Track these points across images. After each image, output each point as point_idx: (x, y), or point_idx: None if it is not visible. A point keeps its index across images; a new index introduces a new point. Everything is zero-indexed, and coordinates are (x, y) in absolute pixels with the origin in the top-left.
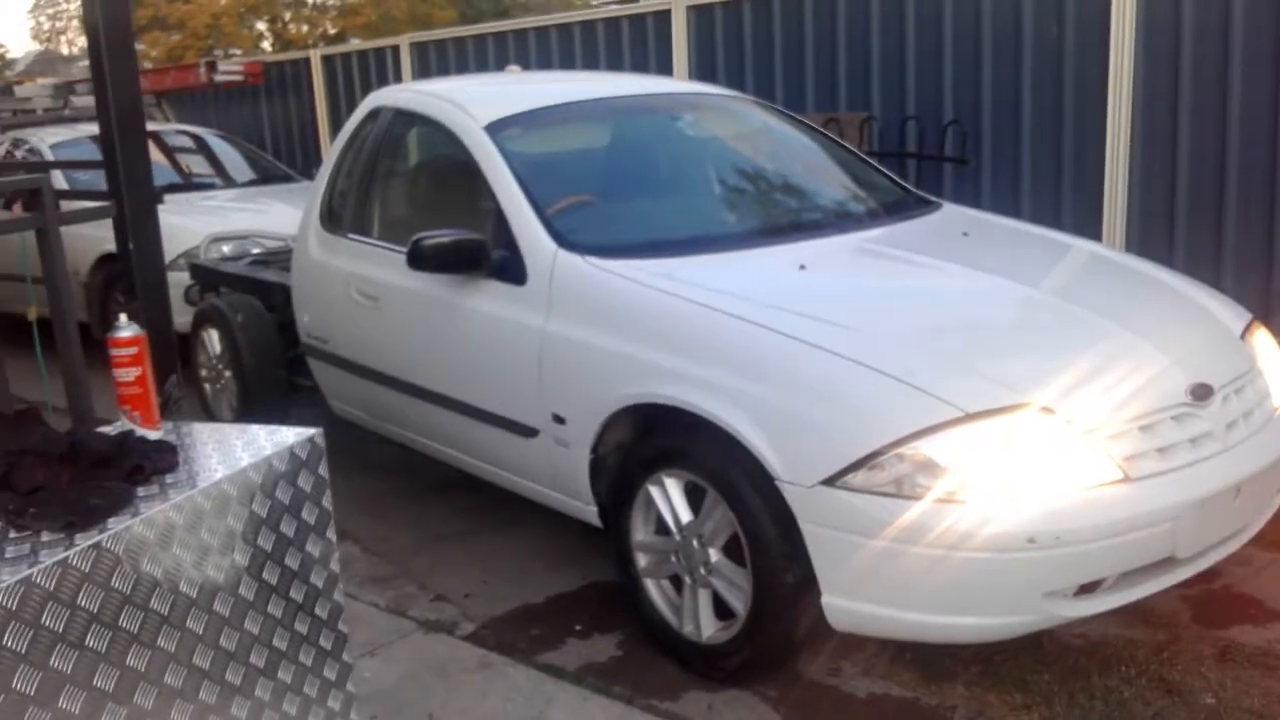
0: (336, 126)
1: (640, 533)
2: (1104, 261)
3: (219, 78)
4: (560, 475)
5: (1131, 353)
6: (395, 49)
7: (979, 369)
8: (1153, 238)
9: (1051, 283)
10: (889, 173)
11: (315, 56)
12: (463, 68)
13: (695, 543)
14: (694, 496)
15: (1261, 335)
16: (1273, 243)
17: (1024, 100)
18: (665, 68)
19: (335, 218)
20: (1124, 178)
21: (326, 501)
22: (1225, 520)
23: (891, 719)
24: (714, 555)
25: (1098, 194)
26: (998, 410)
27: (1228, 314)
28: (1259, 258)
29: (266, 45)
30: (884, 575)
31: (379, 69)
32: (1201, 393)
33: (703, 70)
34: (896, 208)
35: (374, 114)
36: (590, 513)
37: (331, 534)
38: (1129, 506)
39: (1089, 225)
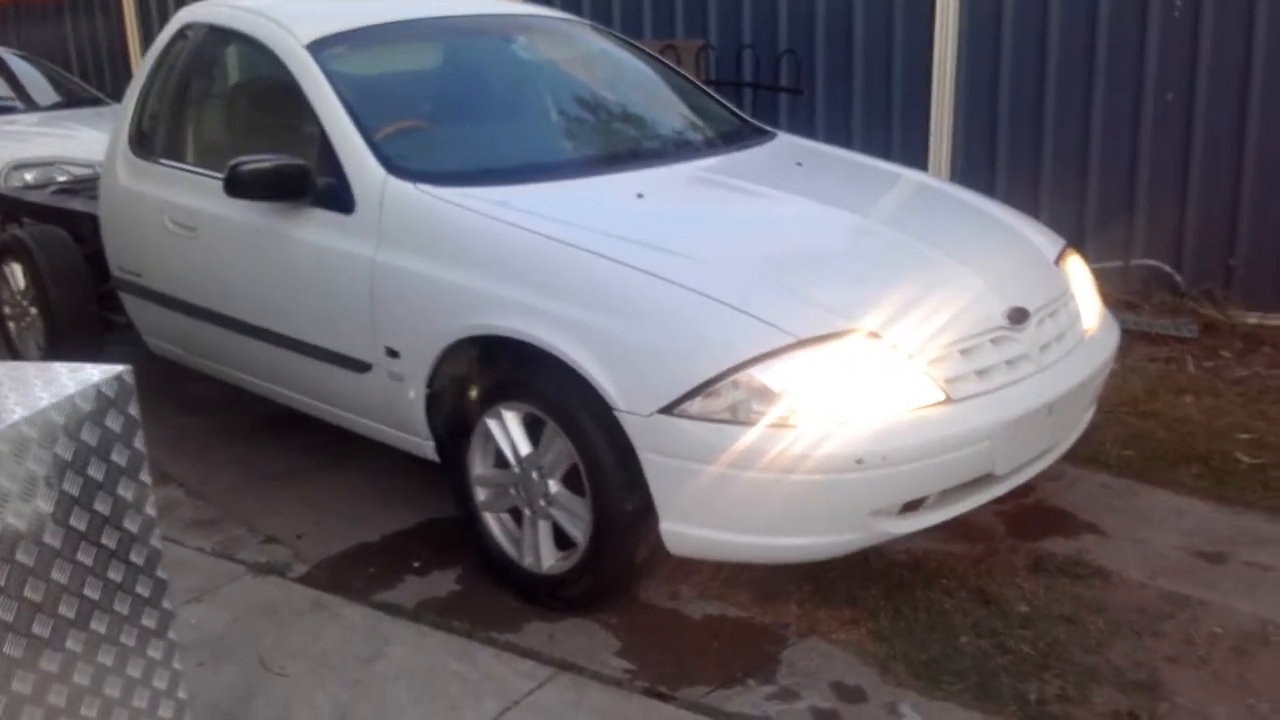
0: (148, 45)
1: (479, 467)
2: (930, 191)
3: None
4: (395, 410)
5: (953, 279)
6: None
7: (810, 296)
8: (976, 168)
9: (880, 212)
10: (725, 102)
11: None
12: None
13: (535, 475)
14: (533, 428)
15: (1074, 261)
16: (1086, 173)
17: (856, 32)
18: None
19: (146, 142)
20: (949, 110)
21: (138, 443)
22: (1039, 438)
23: (728, 639)
24: (553, 486)
25: (925, 125)
26: (828, 336)
27: (1043, 241)
28: (1073, 188)
29: None
30: (720, 500)
31: None
32: (1017, 316)
33: None
34: (732, 137)
35: (185, 31)
36: (427, 448)
37: (145, 476)
38: (950, 427)
39: (917, 155)
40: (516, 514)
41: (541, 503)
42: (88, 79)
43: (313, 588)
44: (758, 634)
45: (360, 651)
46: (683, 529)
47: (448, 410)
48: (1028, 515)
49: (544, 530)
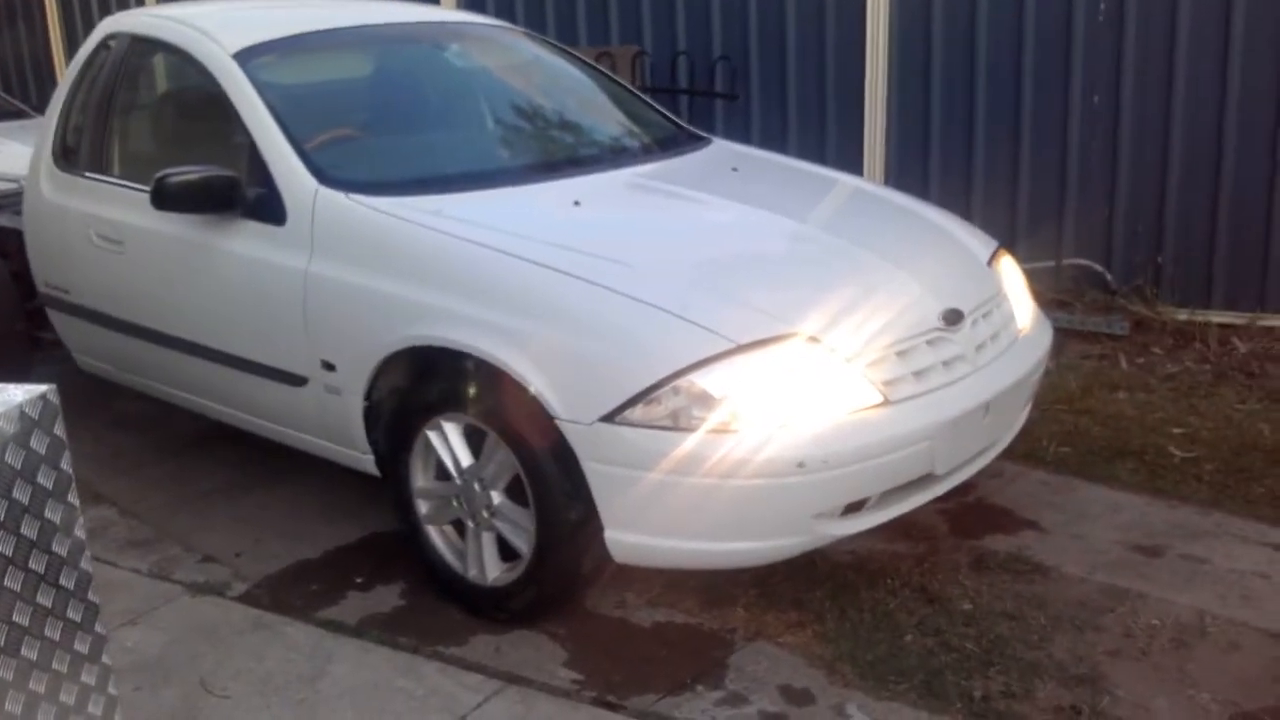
0: (73, 56)
1: (420, 479)
2: (864, 195)
3: None
4: (333, 424)
5: (889, 282)
6: None
7: (749, 301)
8: (909, 171)
9: (816, 216)
10: (661, 108)
11: None
12: None
13: (477, 486)
14: (474, 439)
15: (1006, 262)
16: (1017, 175)
17: (789, 38)
18: None
19: (70, 155)
20: (882, 114)
21: (65, 464)
22: (977, 437)
23: (675, 645)
24: (496, 497)
25: (858, 130)
26: (767, 341)
27: (976, 243)
28: (1004, 190)
29: None
30: (664, 507)
31: None
32: (952, 318)
33: (471, 0)
34: (668, 143)
35: (108, 41)
36: (367, 462)
37: (73, 498)
38: (889, 428)
39: (851, 159)
40: (460, 526)
41: (484, 514)
42: (11, 91)
43: (253, 606)
44: (705, 639)
45: (303, 670)
46: (627, 537)
47: (387, 423)
48: (969, 513)
49: (488, 542)
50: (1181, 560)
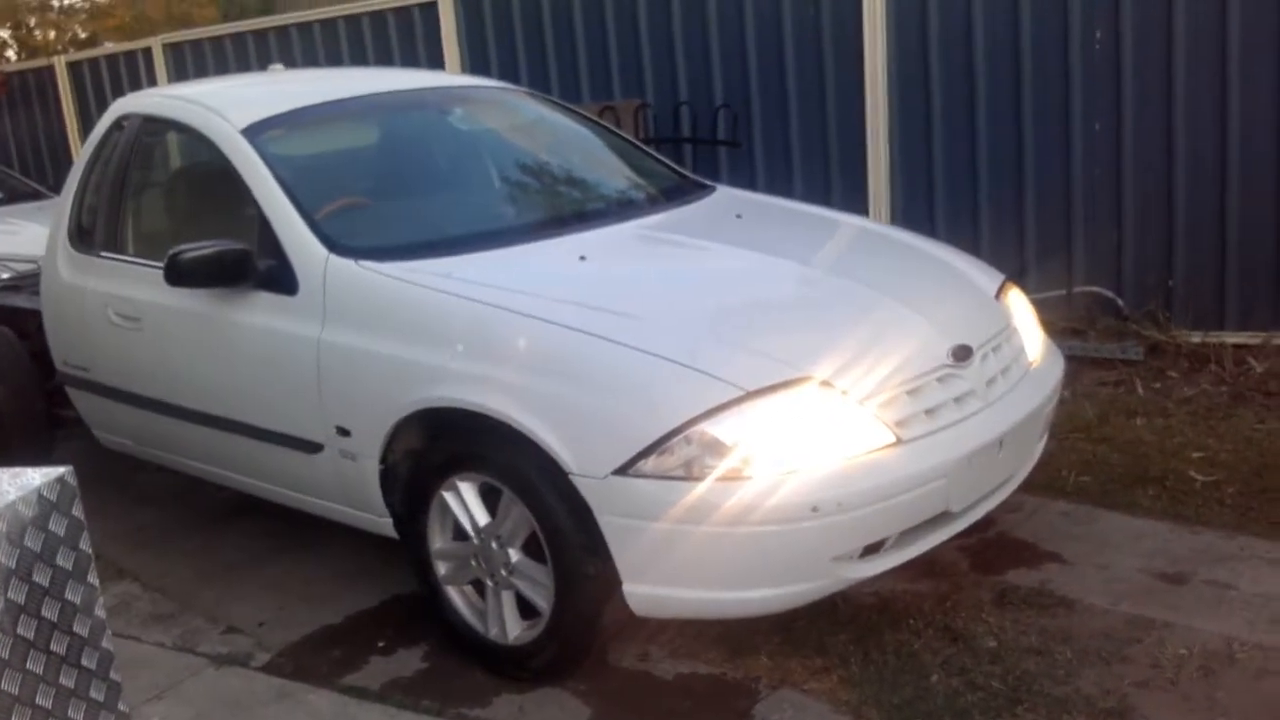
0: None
1: (438, 540)
2: (870, 235)
3: None
4: (350, 489)
5: (898, 321)
6: (147, 51)
7: (757, 347)
8: (915, 209)
9: (822, 259)
10: (664, 159)
11: (60, 63)
12: (222, 70)
13: (494, 544)
14: (489, 498)
15: (1014, 295)
16: (1022, 206)
17: (789, 82)
18: (436, 62)
19: (85, 236)
20: (885, 154)
21: (84, 544)
22: (993, 472)
23: (700, 697)
24: (514, 555)
25: (861, 170)
26: (777, 386)
27: (982, 277)
28: (1011, 221)
29: (11, 54)
30: (681, 557)
31: (131, 74)
32: (962, 354)
33: (475, 63)
34: (673, 193)
35: (120, 122)
36: (384, 525)
37: (93, 578)
38: (903, 468)
39: (855, 200)
40: (479, 586)
41: (503, 572)
42: (28, 173)
43: (277, 676)
44: (730, 690)
45: None
46: (646, 589)
47: (403, 485)
48: (990, 548)
49: (507, 600)
50: (1207, 586)
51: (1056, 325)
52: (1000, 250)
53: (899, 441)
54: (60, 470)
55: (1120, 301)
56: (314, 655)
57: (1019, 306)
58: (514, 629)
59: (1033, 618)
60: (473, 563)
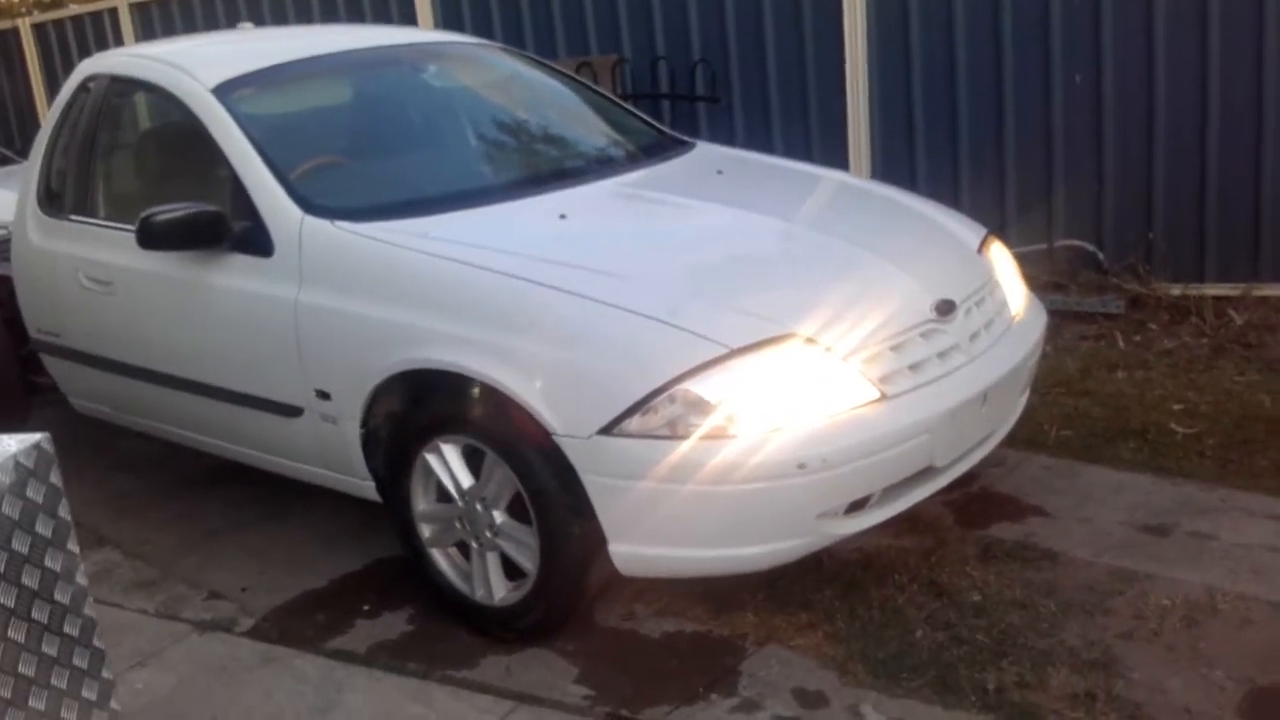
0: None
1: (421, 503)
2: (851, 190)
3: None
4: (331, 453)
5: (880, 277)
6: (114, 12)
7: (741, 304)
8: (895, 163)
9: (804, 215)
10: (643, 115)
11: (25, 25)
12: (191, 30)
13: (479, 506)
14: (473, 460)
15: (997, 249)
16: (1003, 160)
17: (767, 37)
18: (409, 18)
19: (55, 199)
20: (864, 108)
21: (63, 511)
22: (976, 426)
23: (686, 655)
24: (499, 517)
25: (841, 125)
26: (760, 343)
27: (965, 231)
28: (991, 175)
29: None
30: (666, 516)
31: (98, 35)
32: (945, 308)
33: (448, 19)
34: (652, 150)
35: (87, 84)
36: (367, 488)
37: (73, 545)
38: (888, 423)
39: (835, 155)
40: (464, 548)
41: (488, 534)
42: None
43: (261, 641)
44: (716, 647)
45: (314, 702)
46: (631, 549)
47: (385, 448)
48: (973, 503)
49: (493, 562)
50: (1189, 538)
51: (1037, 279)
52: (981, 204)
53: (883, 397)
54: (37, 437)
55: (1100, 255)
56: (298, 620)
57: (1001, 261)
58: (500, 590)
59: (1016, 571)
60: (457, 525)
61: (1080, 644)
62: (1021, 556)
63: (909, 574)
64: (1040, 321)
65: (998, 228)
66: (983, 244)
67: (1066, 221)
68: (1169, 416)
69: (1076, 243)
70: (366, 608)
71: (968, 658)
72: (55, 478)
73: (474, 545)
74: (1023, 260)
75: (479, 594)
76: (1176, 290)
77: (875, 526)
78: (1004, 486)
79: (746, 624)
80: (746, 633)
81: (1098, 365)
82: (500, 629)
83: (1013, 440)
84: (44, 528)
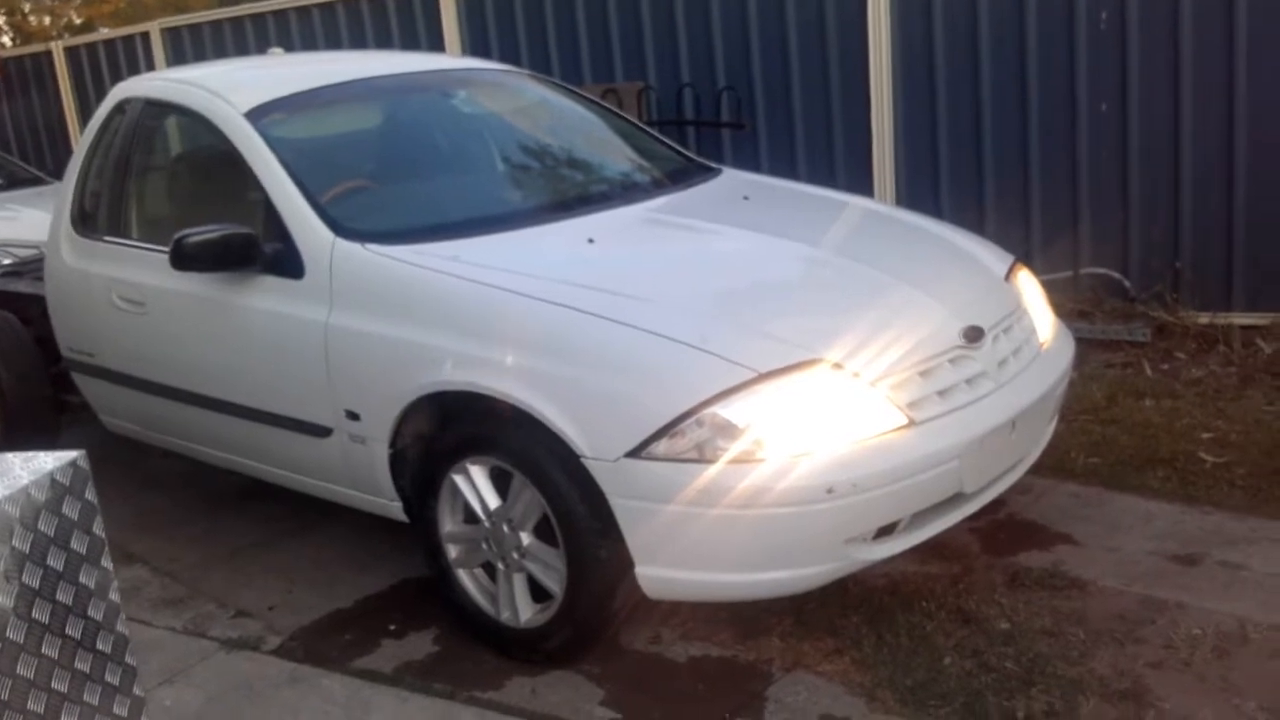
0: (86, 122)
1: (448, 524)
2: (877, 216)
3: None
4: (359, 473)
5: (908, 303)
6: (145, 36)
7: (769, 329)
8: (920, 190)
9: (831, 241)
10: (669, 141)
11: (58, 49)
12: (221, 54)
13: (505, 528)
14: (500, 481)
15: (1024, 276)
16: (1028, 188)
17: (792, 64)
18: (436, 44)
19: (89, 220)
20: (889, 135)
21: (98, 528)
22: (1005, 453)
23: (713, 680)
24: (525, 538)
25: (866, 151)
26: (788, 368)
27: (992, 258)
28: (1017, 203)
29: (6, 40)
30: (693, 540)
31: (129, 59)
32: (973, 335)
33: (475, 46)
34: (679, 176)
35: (122, 106)
36: (394, 508)
37: (107, 562)
38: (916, 450)
39: (860, 182)
40: (490, 569)
41: (514, 556)
42: (27, 158)
43: (288, 659)
44: (743, 672)
45: None
46: (659, 572)
47: (413, 469)
48: (1001, 530)
49: (519, 584)
50: (1219, 567)
51: (1063, 307)
52: (1006, 232)
53: (911, 423)
54: (73, 454)
55: (1127, 283)
56: (325, 639)
57: (1029, 288)
58: (526, 612)
59: (1045, 599)
60: (484, 546)
61: (1110, 673)
62: (1050, 584)
63: (937, 601)
64: (1068, 348)
65: (1023, 255)
66: (1010, 271)
67: (1092, 249)
68: (1198, 445)
69: (1102, 270)
70: (393, 627)
71: (996, 686)
72: (91, 494)
73: (500, 567)
74: (1049, 288)
75: (505, 615)
76: (1204, 319)
77: (903, 552)
78: (1032, 514)
79: (773, 649)
80: (773, 658)
81: (1125, 393)
82: (526, 651)
83: (1039, 468)
84: (79, 544)
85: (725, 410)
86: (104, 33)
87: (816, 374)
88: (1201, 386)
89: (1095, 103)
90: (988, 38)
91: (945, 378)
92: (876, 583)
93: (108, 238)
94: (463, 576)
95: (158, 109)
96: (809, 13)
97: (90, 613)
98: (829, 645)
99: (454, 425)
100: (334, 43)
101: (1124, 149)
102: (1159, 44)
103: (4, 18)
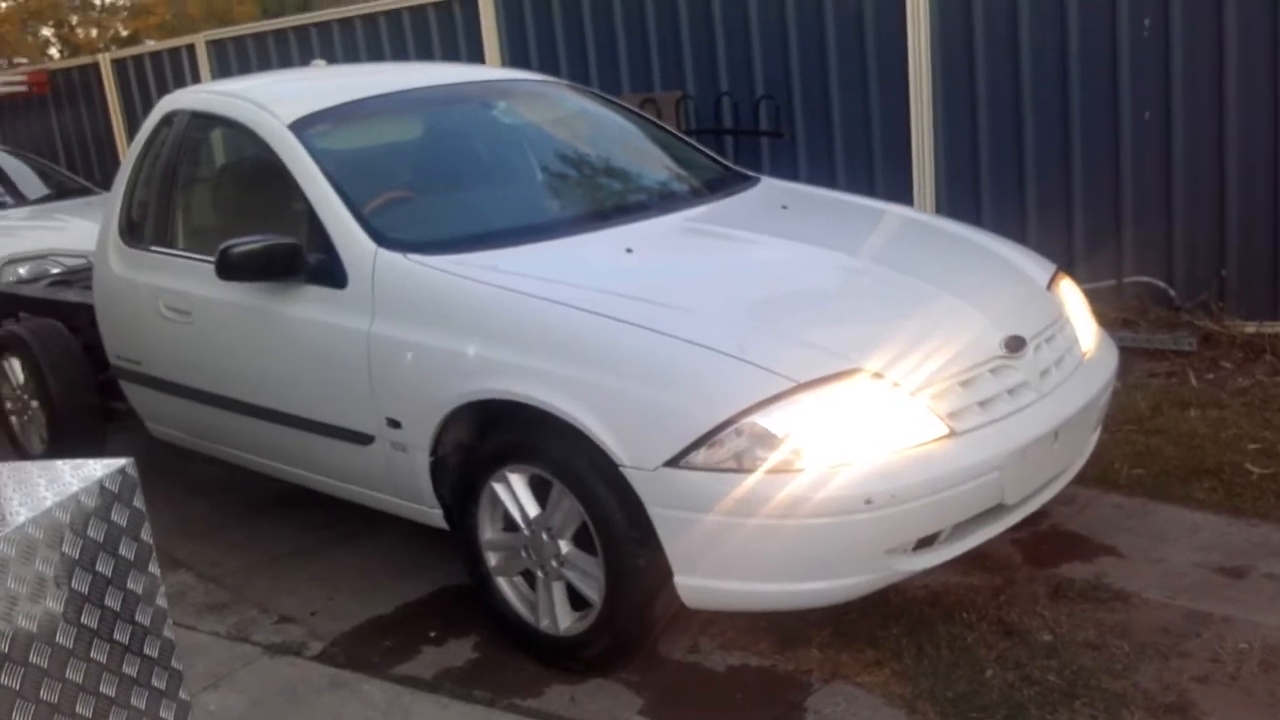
0: (133, 133)
1: (488, 531)
2: (917, 225)
3: (0, 89)
4: (400, 480)
5: (948, 312)
6: (191, 49)
7: (808, 339)
8: (961, 199)
9: (870, 249)
10: (707, 150)
11: (105, 61)
12: (265, 66)
13: (545, 536)
14: (540, 489)
15: (1066, 285)
16: (1070, 196)
17: (831, 72)
18: (476, 55)
19: (136, 230)
20: (929, 143)
21: (145, 534)
22: (1047, 464)
23: (751, 690)
24: (565, 547)
25: (906, 160)
26: (828, 378)
27: (1033, 267)
28: (1059, 211)
29: (54, 52)
30: (732, 549)
31: (175, 71)
32: (1014, 345)
33: (515, 57)
34: (717, 185)
35: (169, 118)
36: (435, 516)
37: (154, 568)
38: (957, 460)
39: (901, 190)
40: (530, 577)
41: (554, 564)
42: (75, 169)
43: (330, 665)
44: (781, 682)
45: None
46: (698, 582)
47: (453, 477)
48: (1044, 542)
49: (558, 592)
50: (1266, 580)
51: (1107, 316)
52: (1048, 240)
53: (952, 433)
54: (121, 462)
55: (1172, 291)
56: (366, 645)
57: (1071, 297)
58: (565, 620)
59: (1089, 611)
60: (523, 554)
61: (1155, 687)
62: (1093, 596)
63: (978, 612)
64: (1111, 358)
65: (1066, 264)
66: (1052, 280)
67: (1136, 258)
68: (1244, 456)
69: (1146, 279)
70: (433, 634)
71: (1039, 699)
72: (139, 501)
73: (540, 575)
74: (1092, 297)
75: (544, 623)
76: (1250, 328)
77: (944, 564)
78: (1074, 525)
79: (812, 659)
80: (812, 669)
81: (1169, 403)
82: (565, 659)
83: (1082, 478)
84: (127, 550)
85: (764, 420)
86: (150, 45)
87: (856, 383)
88: (1248, 396)
89: (1138, 109)
90: (1028, 44)
91: (986, 388)
92: (917, 594)
93: (154, 248)
94: (502, 584)
95: (204, 121)
96: (847, 20)
97: (138, 618)
98: (869, 656)
99: (493, 434)
100: (376, 54)
101: (1168, 156)
102: (1203, 50)
103: (53, 30)
